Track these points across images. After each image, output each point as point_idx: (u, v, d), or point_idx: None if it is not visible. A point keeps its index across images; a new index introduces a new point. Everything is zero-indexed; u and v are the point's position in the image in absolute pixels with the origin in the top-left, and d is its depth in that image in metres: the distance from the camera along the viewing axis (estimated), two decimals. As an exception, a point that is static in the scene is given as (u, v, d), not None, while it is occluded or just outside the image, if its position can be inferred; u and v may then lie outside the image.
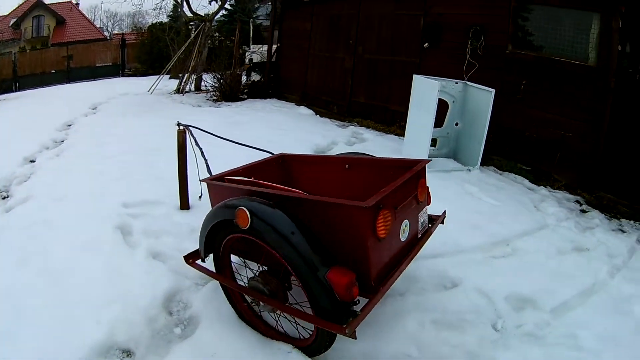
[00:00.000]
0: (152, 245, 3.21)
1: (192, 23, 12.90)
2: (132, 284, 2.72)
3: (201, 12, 11.72)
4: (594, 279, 3.03)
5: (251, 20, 14.40)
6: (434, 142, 5.46)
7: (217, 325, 2.39)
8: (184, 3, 11.77)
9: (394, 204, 2.10)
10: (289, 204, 2.06)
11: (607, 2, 4.54)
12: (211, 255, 2.45)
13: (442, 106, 5.29)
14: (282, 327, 2.31)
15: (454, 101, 5.50)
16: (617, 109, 4.60)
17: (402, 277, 2.19)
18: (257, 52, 12.42)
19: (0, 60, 17.21)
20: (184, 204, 3.87)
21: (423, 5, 6.66)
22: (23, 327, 2.31)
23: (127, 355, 2.23)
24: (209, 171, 3.38)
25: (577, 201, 4.62)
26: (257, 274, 2.26)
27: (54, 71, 17.79)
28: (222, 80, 9.91)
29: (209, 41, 11.35)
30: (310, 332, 2.15)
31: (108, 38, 28.43)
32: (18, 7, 26.86)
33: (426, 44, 6.64)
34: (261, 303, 2.16)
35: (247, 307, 2.42)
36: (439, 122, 5.25)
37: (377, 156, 3.08)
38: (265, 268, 2.29)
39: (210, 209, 2.45)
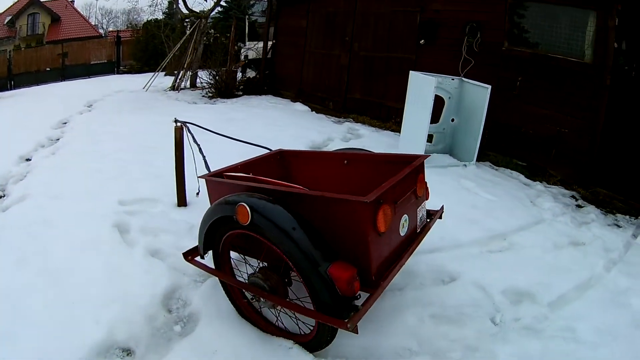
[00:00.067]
0: (150, 243, 3.20)
1: (187, 20, 12.83)
2: (131, 283, 2.70)
3: (197, 9, 11.64)
4: (591, 272, 3.06)
5: (247, 17, 14.36)
6: (430, 138, 5.47)
7: (217, 322, 2.39)
8: (180, 0, 11.71)
9: (394, 198, 2.11)
10: (289, 199, 2.05)
11: (604, 0, 4.57)
12: (210, 252, 2.45)
13: (438, 102, 5.30)
14: (283, 323, 2.31)
15: (450, 97, 5.52)
16: (613, 105, 4.64)
17: (401, 271, 2.19)
18: (252, 49, 12.40)
19: (-5, 58, 17.07)
20: (181, 201, 3.86)
21: (420, 2, 6.66)
22: (23, 328, 2.29)
23: (128, 354, 2.22)
24: (207, 168, 3.38)
25: (573, 196, 4.65)
26: (257, 270, 2.26)
27: (49, 69, 17.65)
28: (217, 77, 9.87)
29: (205, 38, 11.30)
30: (311, 328, 2.15)
31: (103, 35, 28.24)
32: (13, 4, 26.62)
33: (422, 41, 6.65)
34: (262, 299, 2.17)
35: (247, 304, 2.42)
36: (434, 118, 5.26)
37: (375, 152, 3.08)
38: (265, 264, 2.29)
39: (209, 205, 2.45)
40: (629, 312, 2.63)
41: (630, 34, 4.54)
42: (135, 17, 30.53)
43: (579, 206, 4.41)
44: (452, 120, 5.60)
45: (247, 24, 14.08)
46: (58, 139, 6.19)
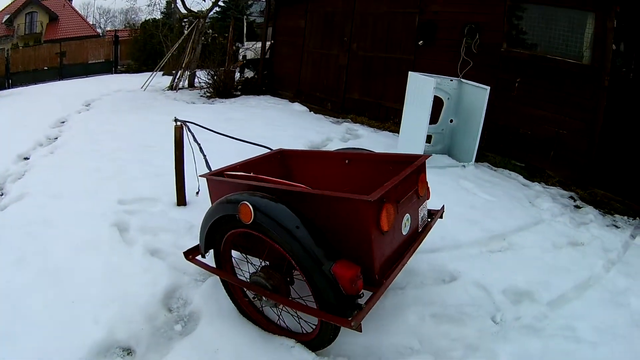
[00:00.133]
0: (149, 242, 3.19)
1: (185, 20, 12.81)
2: (131, 282, 2.69)
3: (195, 9, 11.62)
4: (590, 272, 3.08)
5: (245, 17, 14.36)
6: (428, 139, 5.48)
7: (218, 321, 2.38)
8: (178, 0, 11.69)
9: (397, 198, 2.12)
10: (292, 198, 2.05)
11: (603, 2, 4.60)
12: (211, 251, 2.44)
13: (437, 103, 5.31)
14: (284, 322, 2.31)
15: (448, 98, 5.53)
16: (611, 107, 4.66)
17: (402, 270, 2.19)
18: (250, 49, 12.39)
19: (-7, 57, 17.02)
20: (181, 200, 3.85)
21: (419, 4, 6.68)
22: (23, 327, 2.28)
23: (128, 354, 2.21)
24: (208, 167, 3.37)
25: (571, 197, 4.67)
26: (259, 269, 2.26)
27: (46, 68, 17.62)
28: (215, 77, 9.87)
29: (203, 38, 11.29)
30: (313, 327, 2.15)
31: (101, 35, 28.18)
32: (11, 3, 26.58)
33: (421, 42, 6.66)
34: (264, 298, 2.16)
35: (248, 303, 2.41)
36: (433, 119, 5.28)
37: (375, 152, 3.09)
38: (267, 263, 2.28)
39: (209, 205, 2.44)
40: (628, 311, 2.65)
41: (628, 35, 4.56)
42: (133, 16, 30.54)
43: (577, 207, 4.43)
44: (451, 121, 5.61)
45: (245, 24, 14.08)
46: (56, 138, 6.17)
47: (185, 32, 11.88)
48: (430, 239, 2.68)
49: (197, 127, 3.75)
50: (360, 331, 1.77)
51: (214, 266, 2.45)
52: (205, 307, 2.50)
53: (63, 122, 7.21)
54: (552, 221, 3.95)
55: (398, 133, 5.78)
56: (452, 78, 5.55)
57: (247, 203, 1.99)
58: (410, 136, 5.37)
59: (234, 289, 2.42)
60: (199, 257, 2.51)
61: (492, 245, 3.42)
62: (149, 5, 14.70)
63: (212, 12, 12.48)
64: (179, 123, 3.70)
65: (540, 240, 3.54)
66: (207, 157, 3.49)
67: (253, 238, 2.16)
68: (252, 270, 2.36)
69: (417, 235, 2.42)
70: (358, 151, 3.09)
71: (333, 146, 5.81)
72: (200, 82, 10.56)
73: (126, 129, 6.54)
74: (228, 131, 4.01)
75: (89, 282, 2.67)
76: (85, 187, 4.17)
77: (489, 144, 5.63)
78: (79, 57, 18.80)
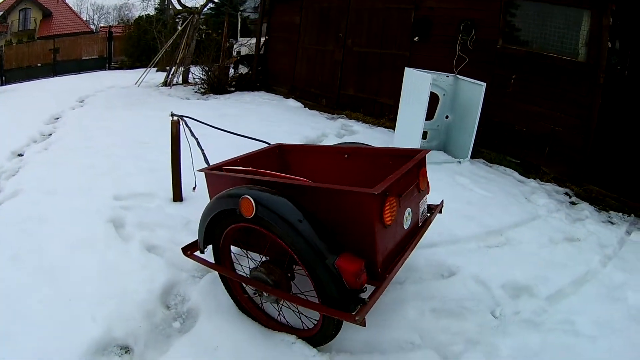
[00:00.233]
0: (146, 238, 3.16)
1: (179, 16, 12.72)
2: (128, 279, 2.66)
3: (189, 4, 11.56)
4: (587, 267, 3.10)
5: (239, 13, 14.28)
6: (424, 135, 5.48)
7: (217, 318, 2.36)
8: (172, -5, 11.62)
9: (399, 192, 2.11)
10: (294, 192, 2.03)
11: (598, -1, 4.62)
12: (210, 247, 2.42)
13: (432, 99, 5.31)
14: (285, 318, 2.29)
15: (444, 94, 5.54)
16: (606, 104, 4.69)
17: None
18: (245, 45, 12.33)
19: (-14, 54, 16.87)
20: (177, 196, 3.81)
21: (414, 0, 6.67)
22: (19, 326, 2.24)
23: (126, 352, 2.18)
24: (207, 161, 3.34)
25: (567, 193, 4.70)
26: (259, 264, 2.24)
27: (40, 65, 17.50)
28: (210, 73, 9.81)
29: (197, 34, 11.22)
30: (315, 322, 2.14)
31: (94, 31, 27.92)
32: (4, 0, 26.22)
33: (416, 38, 6.66)
34: (264, 293, 2.15)
35: (248, 299, 2.39)
36: (429, 115, 5.27)
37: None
38: (268, 258, 2.27)
39: (206, 200, 2.42)
40: (625, 305, 2.66)
41: (623, 33, 4.59)
42: (126, 12, 30.25)
43: (572, 203, 4.46)
44: (447, 117, 5.62)
45: (239, 20, 14.01)
46: (50, 134, 6.11)
47: (179, 28, 11.80)
48: (428, 234, 2.66)
49: (194, 122, 3.71)
50: (365, 325, 1.76)
51: (213, 262, 2.43)
52: (203, 304, 2.47)
53: (57, 119, 7.13)
54: (548, 217, 3.97)
55: (393, 129, 5.78)
56: (448, 74, 5.56)
57: (249, 197, 1.97)
58: (406, 132, 5.37)
59: (233, 285, 2.40)
60: (197, 253, 2.49)
61: (489, 240, 3.43)
62: (142, 1, 14.60)
63: (206, 9, 12.41)
64: (175, 118, 3.66)
65: (536, 235, 3.55)
66: (204, 151, 3.46)
67: (254, 233, 2.14)
68: (251, 265, 2.34)
69: (417, 230, 2.42)
70: (356, 145, 3.08)
71: (328, 142, 5.80)
72: (194, 78, 10.49)
73: (120, 125, 6.49)
74: (223, 127, 3.98)
75: (85, 279, 2.63)
76: (80, 183, 4.12)
77: (485, 140, 5.64)
78: (72, 53, 18.68)
